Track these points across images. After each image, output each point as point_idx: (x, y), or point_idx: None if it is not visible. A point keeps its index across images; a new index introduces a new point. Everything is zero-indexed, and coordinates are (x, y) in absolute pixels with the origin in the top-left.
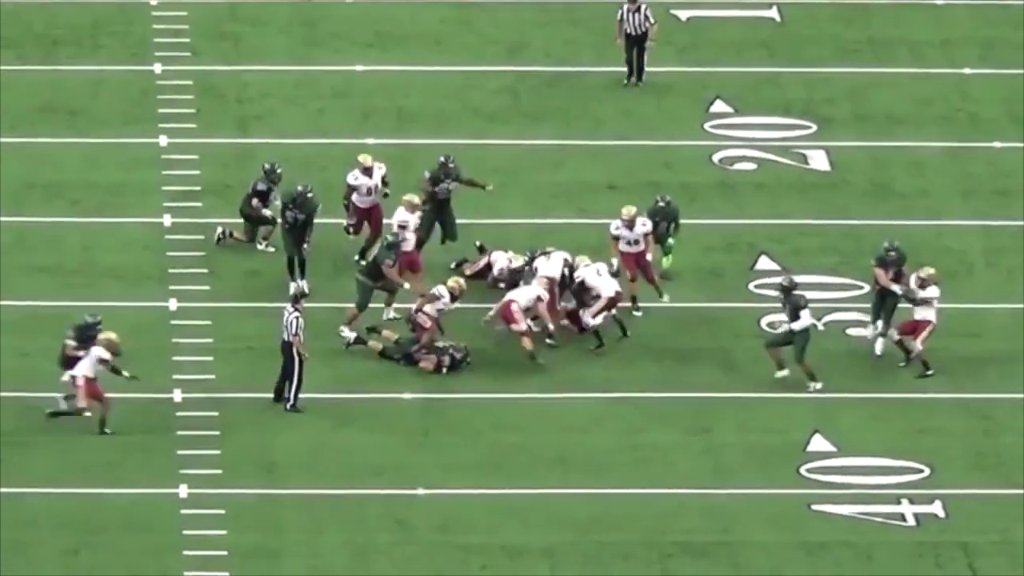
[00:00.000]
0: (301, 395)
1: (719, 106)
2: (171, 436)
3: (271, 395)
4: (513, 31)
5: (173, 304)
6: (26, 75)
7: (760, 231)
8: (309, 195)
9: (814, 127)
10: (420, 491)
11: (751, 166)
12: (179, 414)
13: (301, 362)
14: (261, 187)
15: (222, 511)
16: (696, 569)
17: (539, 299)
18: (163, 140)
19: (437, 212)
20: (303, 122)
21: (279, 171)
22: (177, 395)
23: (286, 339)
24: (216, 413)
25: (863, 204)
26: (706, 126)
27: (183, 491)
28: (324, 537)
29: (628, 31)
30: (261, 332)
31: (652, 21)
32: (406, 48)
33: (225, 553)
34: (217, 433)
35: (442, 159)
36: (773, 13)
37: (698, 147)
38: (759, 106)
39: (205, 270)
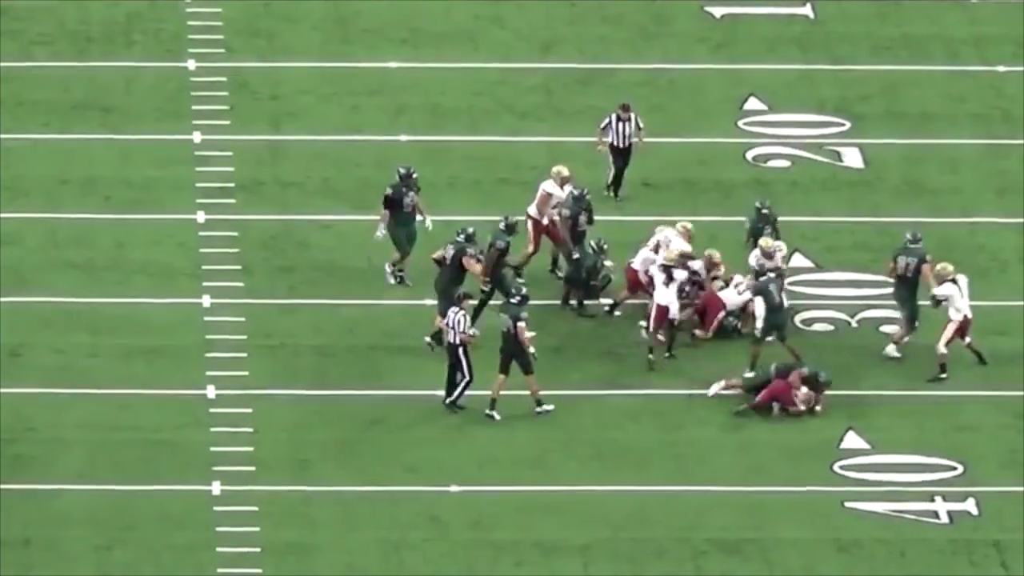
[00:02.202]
0: (468, 392)
1: (753, 103)
2: (205, 433)
3: (304, 392)
4: (546, 28)
5: (207, 301)
6: (60, 72)
7: (794, 228)
8: (414, 175)
9: (848, 124)
10: (453, 488)
11: (785, 163)
12: (212, 411)
13: (468, 360)
14: (501, 244)
15: (255, 508)
16: (729, 566)
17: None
18: (197, 136)
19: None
20: (337, 119)
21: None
22: (211, 391)
23: (452, 340)
24: (250, 410)
25: (896, 201)
26: (740, 123)
27: (216, 488)
28: (357, 534)
29: (614, 142)
30: (294, 329)
31: (641, 126)
32: (439, 45)
33: (258, 550)
34: (250, 430)
35: (402, 171)
36: (807, 10)
37: (732, 144)
38: (793, 103)
39: (238, 267)
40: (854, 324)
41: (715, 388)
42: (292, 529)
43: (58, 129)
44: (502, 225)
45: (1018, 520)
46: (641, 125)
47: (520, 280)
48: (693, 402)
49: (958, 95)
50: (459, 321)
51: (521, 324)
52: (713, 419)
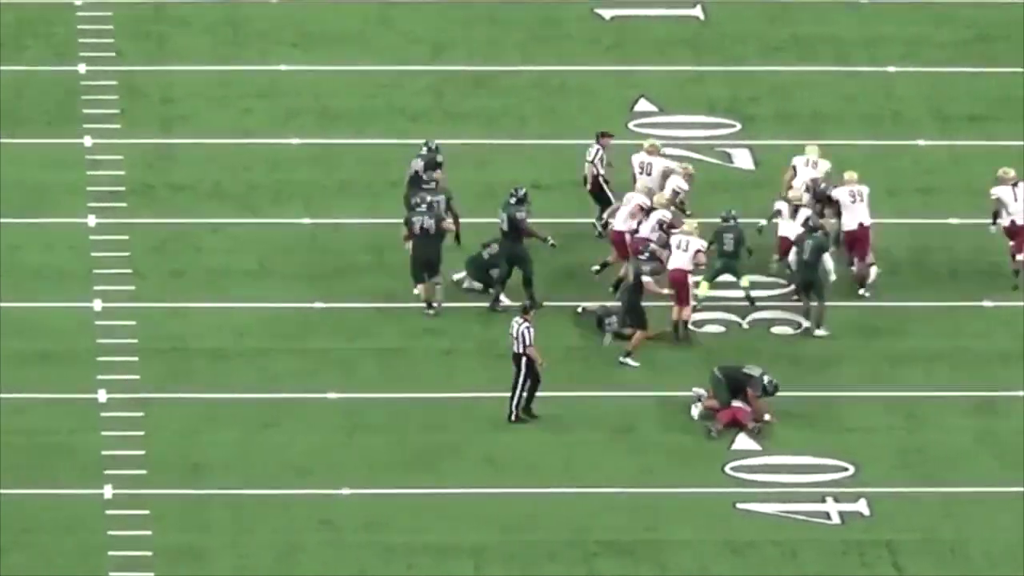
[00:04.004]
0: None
1: (643, 105)
2: (96, 436)
3: (196, 395)
4: (436, 31)
5: (98, 304)
6: None
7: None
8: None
9: (738, 126)
10: (345, 490)
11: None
12: (104, 414)
13: (530, 370)
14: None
15: (147, 512)
16: (622, 568)
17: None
18: (88, 140)
19: None
20: (228, 122)
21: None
22: (102, 395)
23: (517, 350)
24: (141, 413)
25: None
26: (631, 125)
27: (108, 491)
28: (249, 537)
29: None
30: (186, 332)
31: (606, 162)
32: (330, 48)
33: (150, 554)
34: (142, 433)
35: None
36: (697, 12)
37: (623, 146)
38: (683, 105)
39: (129, 270)
40: (745, 326)
41: (695, 412)
42: (185, 533)
43: None
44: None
45: (909, 521)
46: (604, 159)
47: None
48: (584, 404)
49: (848, 96)
50: (523, 334)
51: (647, 279)
52: (604, 421)
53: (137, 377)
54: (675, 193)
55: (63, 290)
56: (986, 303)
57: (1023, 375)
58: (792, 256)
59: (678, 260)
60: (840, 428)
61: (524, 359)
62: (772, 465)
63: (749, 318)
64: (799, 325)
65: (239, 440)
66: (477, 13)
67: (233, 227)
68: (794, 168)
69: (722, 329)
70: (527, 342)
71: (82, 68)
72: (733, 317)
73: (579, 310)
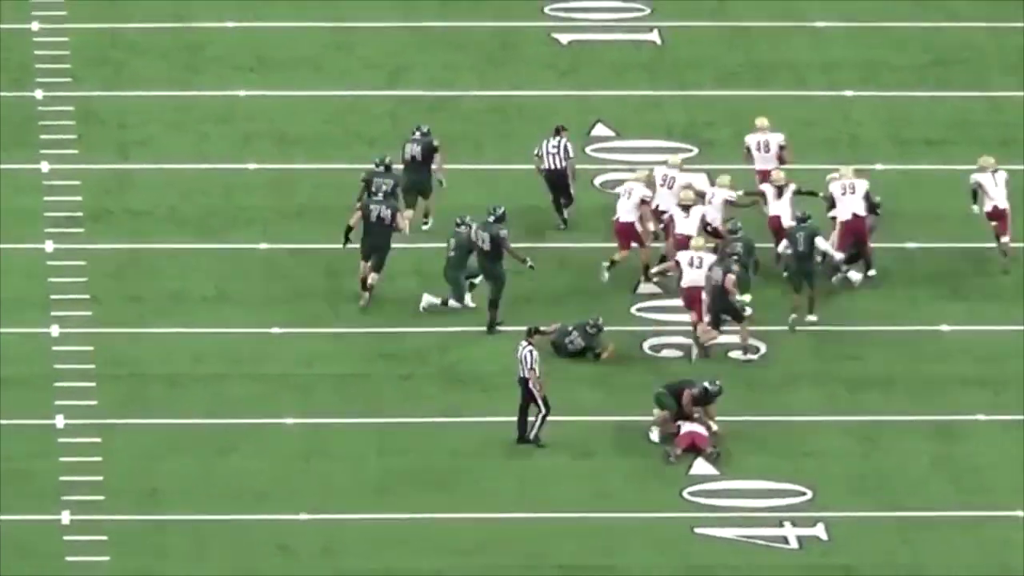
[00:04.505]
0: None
1: (600, 130)
2: (54, 462)
3: (153, 420)
4: (393, 55)
5: (55, 330)
6: None
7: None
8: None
9: (695, 150)
10: (303, 516)
11: None
12: (61, 440)
13: (540, 392)
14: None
15: (105, 537)
16: None
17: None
18: (44, 166)
19: None
20: (185, 147)
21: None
22: (59, 421)
23: (522, 374)
24: (99, 439)
25: (745, 226)
26: (588, 150)
27: (65, 517)
28: (208, 563)
29: (548, 166)
30: (143, 357)
31: (571, 155)
32: (287, 73)
33: None
34: (99, 459)
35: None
36: (654, 36)
37: (580, 171)
38: (641, 129)
39: (87, 296)
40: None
41: (654, 435)
42: (142, 558)
43: None
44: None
45: (867, 545)
46: (572, 154)
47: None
48: (540, 429)
49: (806, 120)
50: (526, 357)
51: (731, 276)
52: (560, 445)
53: (94, 403)
54: (726, 202)
55: (20, 315)
56: (944, 327)
57: (980, 400)
58: (783, 247)
59: (692, 276)
60: (798, 452)
61: (530, 382)
62: (730, 490)
63: (708, 343)
64: (756, 350)
65: (197, 465)
66: (434, 38)
67: (190, 252)
68: (747, 149)
69: (680, 354)
70: (528, 366)
71: (39, 93)
72: (690, 342)
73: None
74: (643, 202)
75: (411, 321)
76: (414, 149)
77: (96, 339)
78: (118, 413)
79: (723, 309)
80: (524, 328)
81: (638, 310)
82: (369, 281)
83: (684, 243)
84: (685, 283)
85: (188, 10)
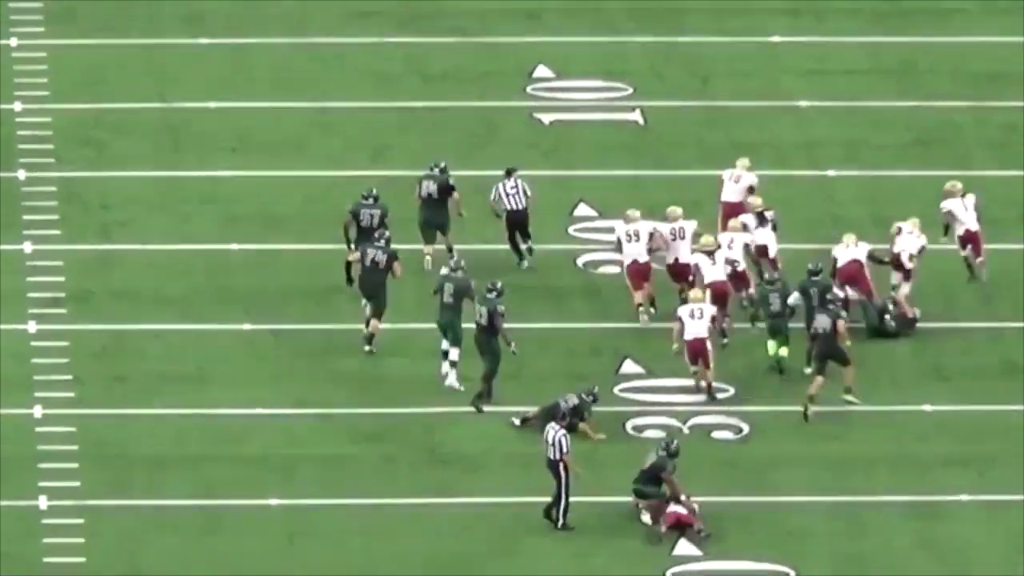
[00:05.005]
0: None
1: (583, 209)
2: (36, 544)
3: (137, 502)
4: (376, 135)
5: (38, 411)
6: None
7: (625, 335)
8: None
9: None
10: None
11: (615, 269)
12: (44, 521)
13: (569, 478)
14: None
15: None
16: None
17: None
18: (27, 247)
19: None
20: (168, 228)
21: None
22: (43, 502)
23: (552, 457)
24: (82, 520)
25: (729, 308)
26: (570, 230)
27: None
28: None
29: (510, 207)
30: (126, 439)
31: (529, 194)
32: (270, 153)
33: None
34: (82, 541)
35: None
36: (636, 116)
37: (563, 251)
38: (623, 209)
39: (70, 376)
40: (686, 431)
41: (646, 517)
42: None
43: None
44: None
45: None
46: (529, 192)
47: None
48: (527, 507)
49: (788, 199)
50: (560, 440)
51: (841, 322)
52: (545, 524)
53: (78, 484)
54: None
55: (3, 396)
56: (927, 407)
57: (964, 480)
58: (794, 300)
59: (696, 328)
60: (781, 532)
61: (561, 465)
62: (713, 571)
63: (690, 423)
64: (740, 430)
65: (180, 547)
66: (416, 118)
67: (173, 333)
68: (721, 181)
69: (663, 434)
70: (564, 449)
71: (21, 174)
72: (674, 422)
73: (516, 421)
74: (651, 236)
75: (395, 401)
76: (430, 187)
77: (79, 420)
78: (101, 495)
79: (831, 355)
80: (514, 408)
81: (621, 390)
82: (370, 330)
83: (720, 289)
84: (688, 336)
85: (170, 90)
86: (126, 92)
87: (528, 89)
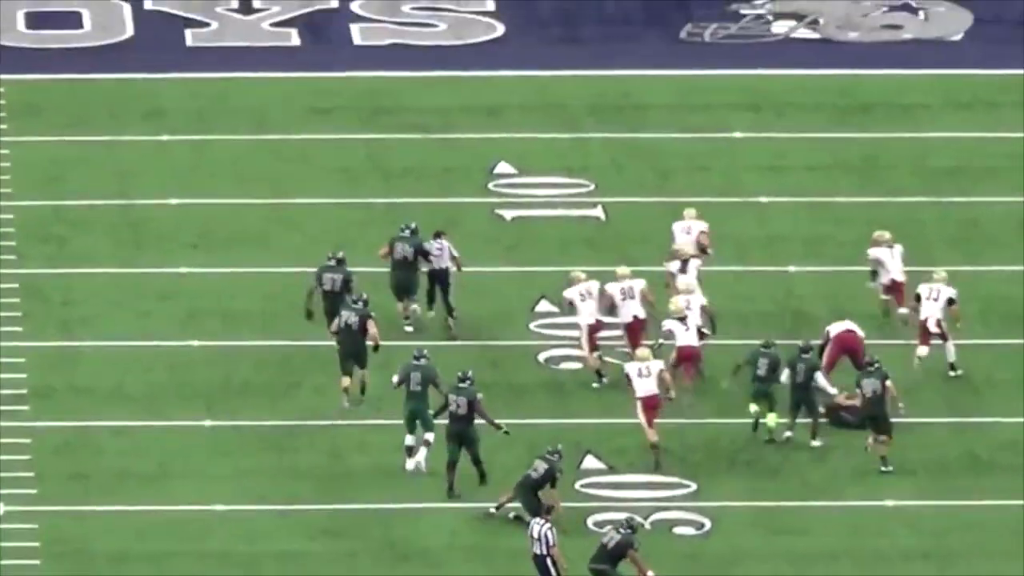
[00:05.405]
0: None
1: (544, 305)
2: None
3: None
4: (338, 231)
5: (0, 508)
6: None
7: (586, 430)
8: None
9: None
10: None
11: (577, 365)
12: None
13: (559, 573)
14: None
15: None
16: None
17: None
18: None
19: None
20: (128, 324)
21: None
22: None
23: (540, 552)
24: None
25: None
26: (532, 325)
27: None
28: None
29: (434, 266)
30: (88, 535)
31: (456, 255)
32: (231, 249)
33: None
34: None
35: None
36: (598, 212)
37: (525, 347)
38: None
39: (31, 474)
40: (647, 526)
41: None
42: None
43: None
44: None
45: None
46: (456, 254)
47: None
48: None
49: (748, 295)
50: (546, 535)
51: (889, 382)
52: None
53: None
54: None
55: None
56: (888, 502)
57: (925, 574)
58: (784, 378)
59: (646, 387)
60: None
61: (549, 560)
62: None
63: (652, 518)
64: (701, 525)
65: None
66: (376, 213)
67: (135, 429)
68: (672, 235)
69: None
70: (551, 543)
71: None
72: (636, 518)
73: (492, 509)
74: (601, 294)
75: (355, 496)
76: (406, 249)
77: (41, 517)
78: None
79: (877, 418)
80: (476, 505)
81: (582, 486)
82: (348, 384)
83: (690, 355)
84: (640, 393)
85: (131, 186)
86: (87, 188)
87: (489, 185)
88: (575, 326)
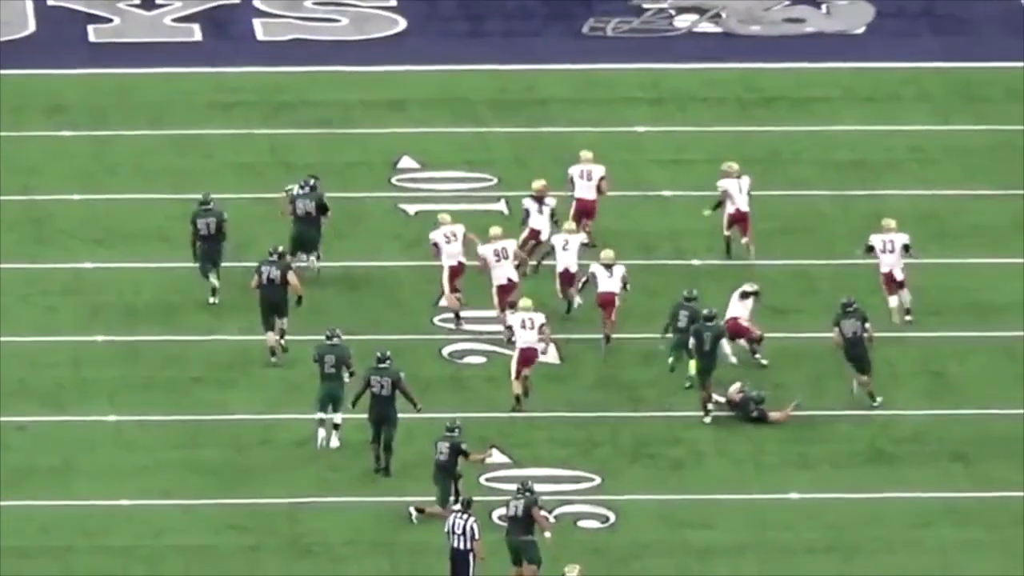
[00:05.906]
0: None
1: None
2: None
3: None
4: (240, 227)
5: None
6: None
7: (490, 424)
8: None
9: (544, 318)
10: None
11: (481, 359)
12: None
13: (476, 567)
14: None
15: None
16: None
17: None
18: None
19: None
20: (32, 320)
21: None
22: None
23: (463, 547)
24: None
25: (593, 394)
26: (435, 320)
27: None
28: None
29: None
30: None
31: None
32: (134, 244)
33: None
34: None
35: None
36: (501, 206)
37: (427, 340)
38: (487, 298)
39: None
40: (552, 519)
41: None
42: None
43: None
44: None
45: None
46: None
47: None
48: None
49: (652, 288)
50: (472, 528)
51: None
52: None
53: None
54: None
55: None
56: (793, 495)
57: (829, 567)
58: (692, 343)
59: (526, 337)
60: None
61: (471, 554)
62: None
63: (556, 511)
64: (606, 519)
65: None
66: (277, 208)
67: (38, 425)
68: (571, 179)
69: None
70: (476, 536)
71: None
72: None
73: (413, 514)
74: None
75: (259, 491)
76: (308, 205)
77: None
78: None
79: (862, 356)
80: (381, 500)
81: (487, 480)
82: (273, 340)
83: (607, 300)
84: (521, 344)
85: (34, 182)
86: None
87: (393, 180)
88: (480, 319)
